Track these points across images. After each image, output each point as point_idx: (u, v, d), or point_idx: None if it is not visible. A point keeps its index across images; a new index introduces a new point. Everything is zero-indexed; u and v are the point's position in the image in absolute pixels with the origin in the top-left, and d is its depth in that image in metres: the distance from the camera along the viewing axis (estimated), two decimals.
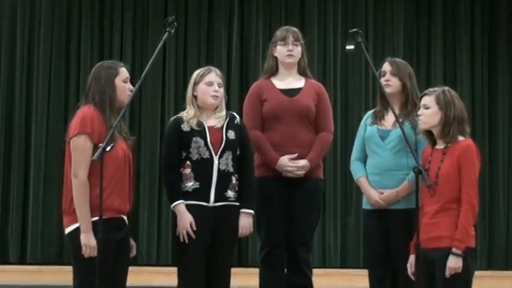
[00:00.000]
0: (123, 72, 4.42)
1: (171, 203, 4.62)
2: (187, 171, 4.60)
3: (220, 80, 4.72)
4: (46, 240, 8.45)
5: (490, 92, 9.16)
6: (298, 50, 5.12)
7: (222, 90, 4.72)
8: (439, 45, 9.08)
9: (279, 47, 5.12)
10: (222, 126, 4.66)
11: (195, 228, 4.53)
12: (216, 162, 4.59)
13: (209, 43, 8.91)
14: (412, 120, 4.81)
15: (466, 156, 4.38)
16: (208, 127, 4.64)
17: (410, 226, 4.50)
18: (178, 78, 8.74)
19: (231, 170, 4.63)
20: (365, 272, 5.02)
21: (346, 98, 8.98)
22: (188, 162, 4.60)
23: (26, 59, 8.69)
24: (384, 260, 4.82)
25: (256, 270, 5.16)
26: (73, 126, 4.29)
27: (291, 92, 5.08)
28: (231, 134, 4.66)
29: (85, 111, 4.30)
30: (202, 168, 4.58)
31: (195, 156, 4.60)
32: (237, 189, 4.65)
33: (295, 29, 5.19)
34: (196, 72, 4.78)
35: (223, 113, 4.72)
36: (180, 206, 4.57)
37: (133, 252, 4.46)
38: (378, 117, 4.95)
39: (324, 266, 8.52)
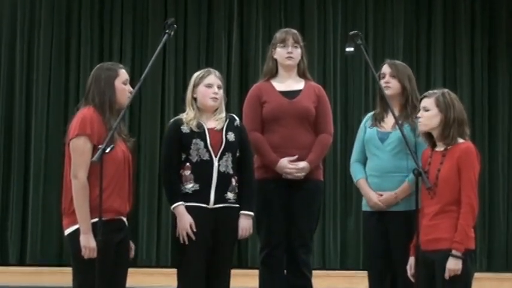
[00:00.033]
0: (123, 74, 4.42)
1: (171, 205, 4.62)
2: (187, 173, 4.60)
3: (219, 82, 4.72)
4: (46, 242, 8.45)
5: (490, 93, 9.16)
6: (297, 52, 5.12)
7: (221, 92, 4.72)
8: (439, 46, 9.08)
9: (278, 49, 5.12)
10: (222, 128, 4.66)
11: (195, 230, 4.53)
12: (215, 164, 4.59)
13: (209, 45, 8.91)
14: (411, 122, 4.81)
15: (466, 158, 4.38)
16: (208, 129, 4.65)
17: (410, 228, 4.51)
18: (178, 80, 8.74)
19: (231, 171, 4.63)
20: (365, 273, 5.02)
21: (346, 100, 8.98)
22: (188, 164, 4.60)
23: (25, 59, 8.69)
24: (383, 262, 4.82)
25: (256, 272, 5.16)
26: (73, 127, 4.29)
27: (291, 94, 5.08)
28: (231, 136, 4.66)
29: (85, 112, 4.31)
30: (202, 170, 4.58)
31: (194, 158, 4.60)
32: (236, 191, 4.65)
33: (295, 31, 5.19)
34: (195, 74, 4.78)
35: (223, 114, 4.72)
36: (179, 208, 4.57)
37: (132, 255, 4.46)
38: (378, 119, 4.96)
39: (323, 268, 8.51)
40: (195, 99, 4.72)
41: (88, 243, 4.16)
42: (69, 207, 4.26)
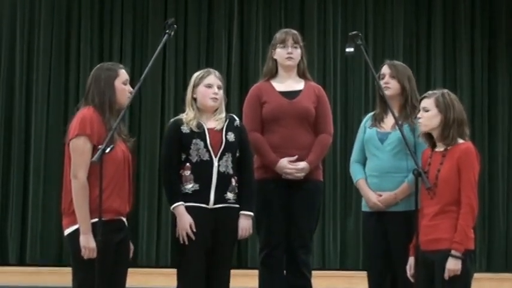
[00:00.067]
0: (123, 74, 4.42)
1: (171, 205, 4.62)
2: (187, 173, 4.60)
3: (219, 82, 4.72)
4: (45, 242, 8.45)
5: (489, 93, 9.16)
6: (297, 53, 5.12)
7: (221, 92, 4.72)
8: (438, 47, 9.09)
9: (278, 50, 5.12)
10: (222, 128, 4.66)
11: (194, 230, 4.53)
12: (215, 164, 4.59)
13: (209, 45, 8.92)
14: (411, 123, 4.81)
15: (466, 158, 4.38)
16: (208, 129, 4.64)
17: (409, 228, 4.50)
18: (178, 80, 8.74)
19: (231, 172, 4.63)
20: (364, 273, 5.01)
21: (346, 100, 8.98)
22: (188, 164, 4.60)
23: (25, 59, 8.69)
24: (383, 262, 4.82)
25: (256, 272, 5.16)
26: (72, 127, 4.29)
27: (291, 94, 5.08)
28: (231, 136, 4.66)
29: (84, 112, 4.31)
30: (202, 170, 4.58)
31: (194, 158, 4.60)
32: (236, 191, 4.65)
33: (295, 32, 5.19)
34: (195, 75, 4.78)
35: (223, 115, 4.72)
36: (179, 208, 4.57)
37: (131, 256, 4.45)
38: (377, 120, 4.96)
39: (323, 268, 8.51)
40: (195, 99, 4.72)
41: (88, 244, 4.16)
42: (69, 207, 4.26)
